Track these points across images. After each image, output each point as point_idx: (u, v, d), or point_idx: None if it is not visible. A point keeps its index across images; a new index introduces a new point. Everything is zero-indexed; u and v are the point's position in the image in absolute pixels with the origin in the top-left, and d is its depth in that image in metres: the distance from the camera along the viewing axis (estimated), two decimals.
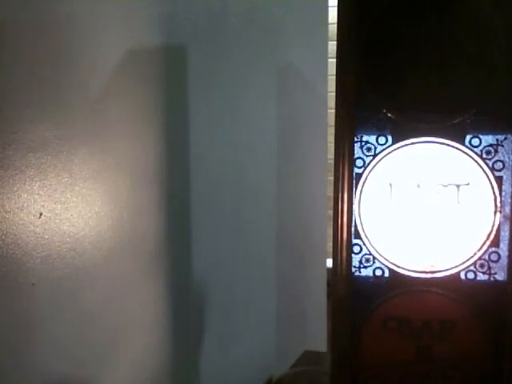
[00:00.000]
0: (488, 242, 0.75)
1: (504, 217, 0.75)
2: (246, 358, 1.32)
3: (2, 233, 0.67)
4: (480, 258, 0.76)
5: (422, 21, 0.74)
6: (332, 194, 0.79)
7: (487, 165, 0.74)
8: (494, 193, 0.75)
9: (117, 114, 0.86)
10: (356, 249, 0.79)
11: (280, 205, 1.47)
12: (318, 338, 1.78)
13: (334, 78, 0.77)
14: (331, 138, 0.82)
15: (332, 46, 0.92)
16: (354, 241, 0.79)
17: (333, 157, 0.78)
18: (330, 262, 0.84)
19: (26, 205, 0.70)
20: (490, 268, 0.76)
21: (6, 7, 0.67)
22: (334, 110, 0.78)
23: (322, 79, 1.76)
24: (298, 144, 1.60)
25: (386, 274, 0.79)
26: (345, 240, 0.78)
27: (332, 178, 0.79)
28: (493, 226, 0.75)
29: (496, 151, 0.74)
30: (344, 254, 0.79)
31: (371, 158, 0.78)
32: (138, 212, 0.91)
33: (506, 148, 0.74)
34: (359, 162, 0.78)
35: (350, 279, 0.79)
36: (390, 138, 0.77)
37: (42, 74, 0.72)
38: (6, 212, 0.68)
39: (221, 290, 1.20)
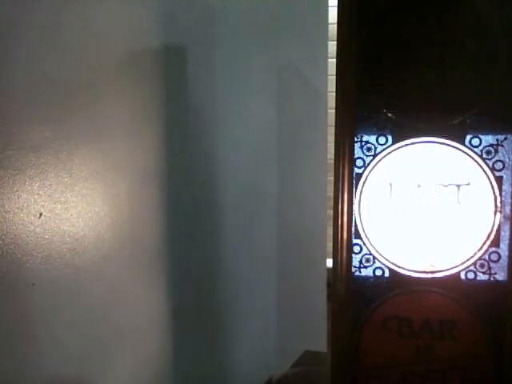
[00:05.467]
0: (488, 242, 0.75)
1: (504, 217, 0.75)
2: (246, 358, 1.32)
3: (2, 233, 0.67)
4: (480, 258, 0.76)
5: (422, 21, 0.74)
6: (332, 194, 0.78)
7: (487, 165, 0.74)
8: (494, 193, 0.75)
9: (117, 114, 0.86)
10: (356, 249, 0.79)
11: (280, 205, 1.47)
12: (318, 338, 1.78)
13: (334, 78, 0.77)
14: (331, 138, 0.82)
15: (332, 46, 0.92)
16: (354, 241, 0.79)
17: (333, 157, 0.78)
18: (330, 262, 0.84)
19: (25, 205, 0.70)
20: (490, 268, 0.76)
21: (6, 7, 0.67)
22: (334, 110, 0.78)
23: (322, 79, 1.76)
24: (298, 144, 1.60)
25: (386, 273, 0.79)
26: (345, 240, 0.78)
27: (332, 178, 0.79)
28: (493, 226, 0.75)
29: (496, 151, 0.74)
30: (344, 254, 0.79)
31: (371, 158, 0.78)
32: (138, 212, 0.91)
33: (506, 148, 0.74)
34: (359, 162, 0.78)
35: (350, 279, 0.79)
36: (389, 137, 0.77)
37: (42, 74, 0.72)
38: (6, 212, 0.68)
39: (221, 289, 1.20)
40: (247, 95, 1.28)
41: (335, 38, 0.77)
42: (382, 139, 0.77)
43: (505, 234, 0.75)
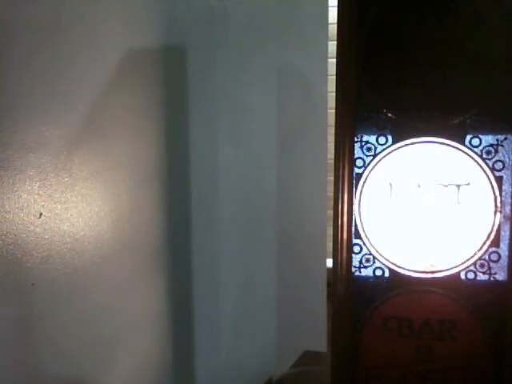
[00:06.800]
0: (488, 242, 0.75)
1: (504, 217, 0.75)
2: (246, 358, 1.32)
3: (2, 233, 0.67)
4: (480, 258, 0.76)
5: (422, 21, 0.74)
6: (332, 194, 0.78)
7: (487, 165, 0.74)
8: (494, 193, 0.75)
9: (117, 113, 0.86)
10: (356, 249, 0.79)
11: (280, 205, 1.47)
12: (318, 338, 1.78)
13: (334, 78, 0.77)
14: (331, 138, 0.82)
15: (332, 46, 0.92)
16: (354, 241, 0.79)
17: (333, 157, 0.78)
18: (330, 262, 0.83)
19: (25, 205, 0.70)
20: (490, 268, 0.76)
21: (6, 7, 0.67)
22: (334, 110, 0.78)
23: (322, 79, 1.76)
24: (298, 144, 1.60)
25: (386, 273, 0.79)
26: (345, 240, 0.78)
27: (332, 178, 0.79)
28: (493, 226, 0.75)
29: (496, 151, 0.74)
30: (344, 254, 0.79)
31: (371, 157, 0.78)
32: (138, 212, 0.91)
33: (506, 148, 0.74)
34: (359, 162, 0.78)
35: (350, 279, 0.79)
36: (389, 137, 0.77)
37: (42, 73, 0.72)
38: (6, 212, 0.68)
39: (221, 289, 1.20)
40: (247, 95, 1.28)
41: (335, 38, 0.77)
42: (382, 139, 0.77)
43: (505, 234, 0.75)
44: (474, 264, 0.76)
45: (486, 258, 0.76)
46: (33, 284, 0.72)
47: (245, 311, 1.32)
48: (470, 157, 0.75)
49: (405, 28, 0.75)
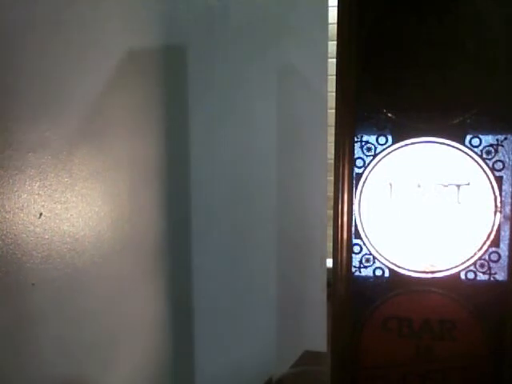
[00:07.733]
0: (488, 242, 0.75)
1: (504, 217, 0.75)
2: (246, 358, 1.32)
3: (1, 233, 0.67)
4: (480, 258, 0.76)
5: (422, 21, 0.74)
6: (332, 194, 0.78)
7: (487, 165, 0.74)
8: (494, 193, 0.75)
9: (117, 113, 0.86)
10: (356, 249, 0.79)
11: (280, 205, 1.47)
12: (317, 338, 1.78)
13: (334, 78, 0.77)
14: (331, 138, 0.82)
15: (332, 46, 0.92)
16: (354, 241, 0.79)
17: (333, 157, 0.78)
18: (330, 262, 0.84)
19: (25, 205, 0.70)
20: (490, 268, 0.76)
21: (7, 8, 0.67)
22: (334, 110, 0.78)
23: (322, 79, 1.76)
24: (298, 144, 1.60)
25: (386, 273, 0.79)
26: (345, 240, 0.78)
27: (332, 178, 0.79)
28: (493, 226, 0.75)
29: (496, 151, 0.74)
30: (344, 254, 0.79)
31: (371, 158, 0.78)
32: (138, 212, 0.91)
33: (506, 148, 0.74)
34: (359, 162, 0.78)
35: (350, 279, 0.79)
36: (389, 137, 0.77)
37: (41, 73, 0.72)
38: (6, 212, 0.68)
39: (221, 289, 1.20)
40: (247, 95, 1.28)
41: (335, 38, 0.77)
42: (382, 139, 0.77)
43: (505, 234, 0.75)
44: (474, 264, 0.76)
45: (486, 258, 0.76)
46: (33, 284, 0.72)
47: (245, 311, 1.32)
48: (470, 157, 0.75)
49: (405, 28, 0.75)
